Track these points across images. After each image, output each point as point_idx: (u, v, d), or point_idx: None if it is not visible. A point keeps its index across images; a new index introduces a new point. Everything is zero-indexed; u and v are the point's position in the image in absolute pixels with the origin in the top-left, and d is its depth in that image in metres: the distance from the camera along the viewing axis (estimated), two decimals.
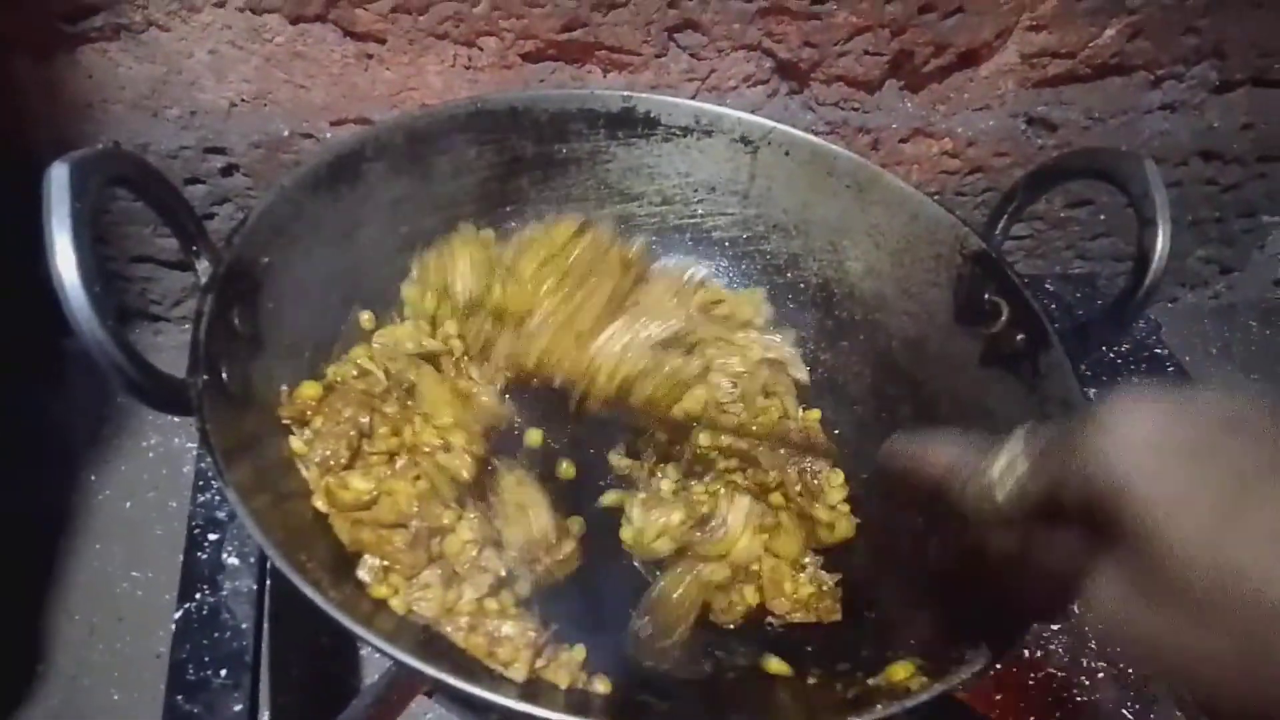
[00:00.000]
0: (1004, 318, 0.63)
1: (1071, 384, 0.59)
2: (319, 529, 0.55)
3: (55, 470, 0.92)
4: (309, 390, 0.60)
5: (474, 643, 0.53)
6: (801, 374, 0.75)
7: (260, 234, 0.57)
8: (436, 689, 0.56)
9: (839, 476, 0.71)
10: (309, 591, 0.44)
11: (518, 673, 0.52)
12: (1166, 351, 0.97)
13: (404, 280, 0.70)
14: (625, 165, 0.76)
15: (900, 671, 0.49)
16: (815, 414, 0.75)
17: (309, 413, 0.59)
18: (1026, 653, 0.74)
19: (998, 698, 0.71)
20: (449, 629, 0.54)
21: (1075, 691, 0.72)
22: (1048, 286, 1.03)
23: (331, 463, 0.57)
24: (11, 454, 0.91)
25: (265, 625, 0.66)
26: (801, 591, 0.63)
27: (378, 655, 0.79)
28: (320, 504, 0.56)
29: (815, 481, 0.69)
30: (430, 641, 0.53)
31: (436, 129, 0.69)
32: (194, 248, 0.54)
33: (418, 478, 0.59)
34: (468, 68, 0.87)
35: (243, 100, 0.86)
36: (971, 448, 0.42)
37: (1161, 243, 0.58)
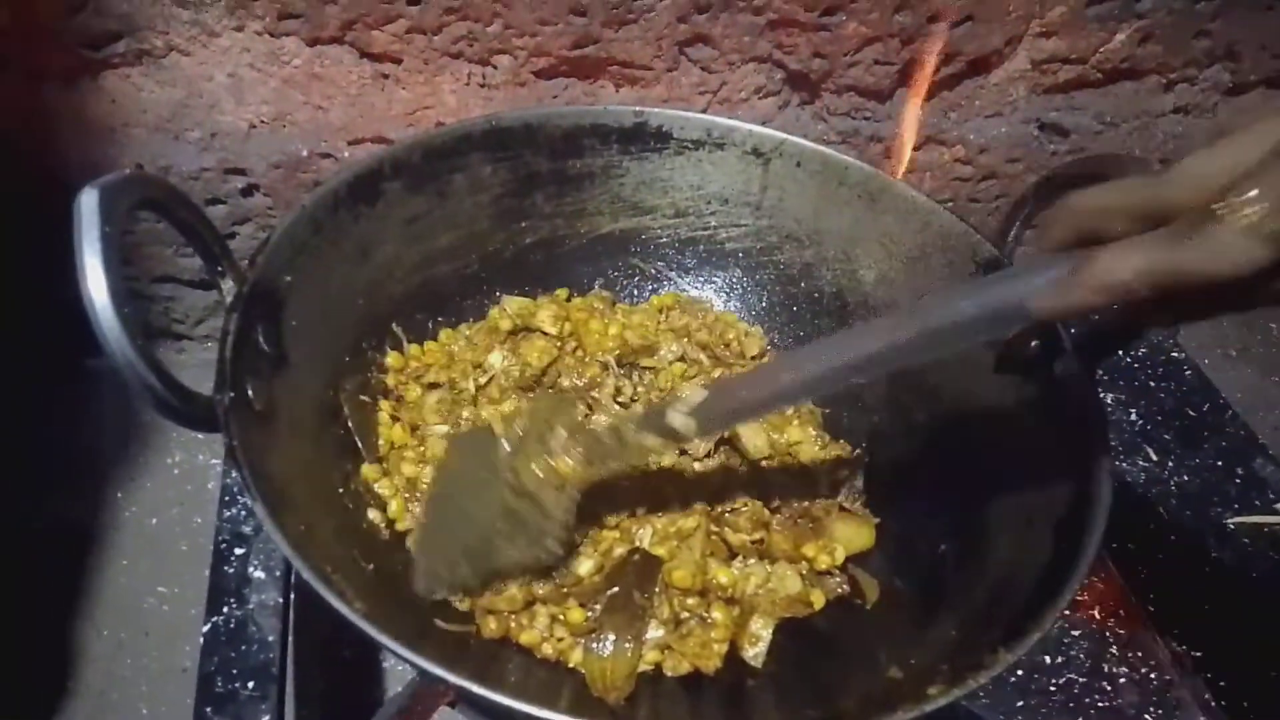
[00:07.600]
0: None
1: (1088, 390, 0.59)
2: (344, 541, 0.56)
3: (82, 488, 0.93)
4: None
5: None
6: None
7: (282, 253, 0.58)
8: (460, 698, 0.57)
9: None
10: (336, 603, 0.45)
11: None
12: (1184, 355, 0.97)
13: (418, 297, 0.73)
14: (638, 179, 0.77)
15: None
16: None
17: None
18: (1048, 658, 0.74)
19: (1019, 704, 0.71)
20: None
21: (1097, 697, 0.72)
22: None
23: None
24: (39, 472, 0.92)
25: (289, 638, 0.67)
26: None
27: (399, 668, 0.81)
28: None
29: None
30: (454, 650, 0.53)
31: (453, 147, 0.70)
32: (219, 268, 0.55)
33: None
34: (482, 86, 0.88)
35: (262, 121, 0.87)
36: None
37: None
